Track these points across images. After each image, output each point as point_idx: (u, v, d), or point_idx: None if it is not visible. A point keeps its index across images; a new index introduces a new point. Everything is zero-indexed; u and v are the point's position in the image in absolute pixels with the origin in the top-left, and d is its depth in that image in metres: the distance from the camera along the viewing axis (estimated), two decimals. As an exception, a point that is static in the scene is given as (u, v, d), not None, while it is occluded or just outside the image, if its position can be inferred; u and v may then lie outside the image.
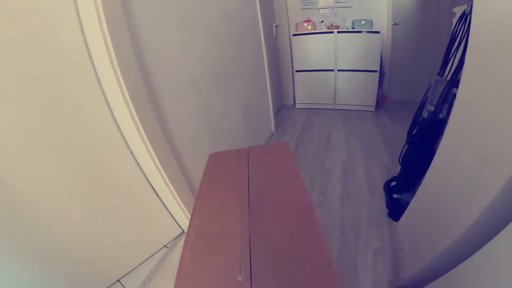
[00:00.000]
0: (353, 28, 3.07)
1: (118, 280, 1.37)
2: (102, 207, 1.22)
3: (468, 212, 0.71)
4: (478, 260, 0.64)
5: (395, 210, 1.56)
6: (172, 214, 1.53)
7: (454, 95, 1.10)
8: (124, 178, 1.26)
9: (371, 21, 3.06)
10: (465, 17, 1.16)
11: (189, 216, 0.65)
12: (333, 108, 3.43)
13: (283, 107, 3.76)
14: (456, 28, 1.23)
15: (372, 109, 3.20)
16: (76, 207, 1.14)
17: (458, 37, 1.21)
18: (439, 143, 0.97)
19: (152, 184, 1.37)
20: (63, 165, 1.05)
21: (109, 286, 1.34)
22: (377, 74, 2.96)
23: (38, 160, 0.98)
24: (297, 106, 3.63)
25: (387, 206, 1.66)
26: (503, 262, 0.55)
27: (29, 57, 0.87)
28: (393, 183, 1.79)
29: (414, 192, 1.22)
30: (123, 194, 1.28)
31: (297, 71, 3.36)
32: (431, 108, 1.28)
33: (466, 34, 1.11)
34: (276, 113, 3.31)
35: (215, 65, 1.61)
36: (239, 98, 2.03)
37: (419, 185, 1.15)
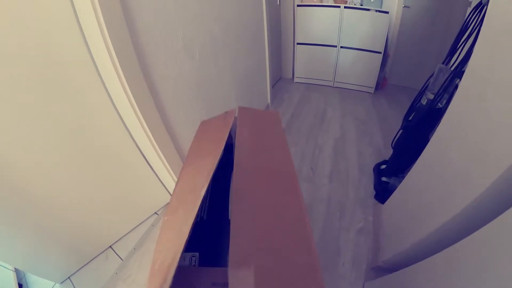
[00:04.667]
0: (361, 5, 2.94)
1: (110, 246, 1.41)
2: (92, 175, 1.21)
3: (453, 204, 0.72)
4: (454, 252, 0.66)
5: (382, 192, 1.60)
6: (163, 182, 1.53)
7: (456, 86, 1.08)
8: (114, 145, 1.24)
9: (381, 0, 2.94)
10: (481, 7, 1.11)
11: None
12: (331, 85, 3.37)
13: (281, 80, 3.68)
14: (469, 17, 1.19)
15: (371, 90, 3.16)
16: (67, 176, 1.12)
17: (470, 28, 1.17)
18: (433, 132, 0.97)
19: (143, 152, 1.35)
20: (51, 132, 1.01)
21: (102, 252, 1.38)
22: (381, 55, 2.88)
23: (24, 127, 0.94)
24: (296, 80, 3.55)
25: (375, 188, 1.70)
26: (477, 258, 0.57)
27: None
28: (383, 166, 1.82)
29: (403, 178, 1.23)
30: (114, 162, 1.27)
31: (298, 43, 3.24)
32: (431, 96, 1.27)
33: (479, 25, 1.08)
34: (273, 85, 3.24)
35: (210, 29, 1.52)
36: (235, 66, 1.94)
37: (408, 171, 1.17)
